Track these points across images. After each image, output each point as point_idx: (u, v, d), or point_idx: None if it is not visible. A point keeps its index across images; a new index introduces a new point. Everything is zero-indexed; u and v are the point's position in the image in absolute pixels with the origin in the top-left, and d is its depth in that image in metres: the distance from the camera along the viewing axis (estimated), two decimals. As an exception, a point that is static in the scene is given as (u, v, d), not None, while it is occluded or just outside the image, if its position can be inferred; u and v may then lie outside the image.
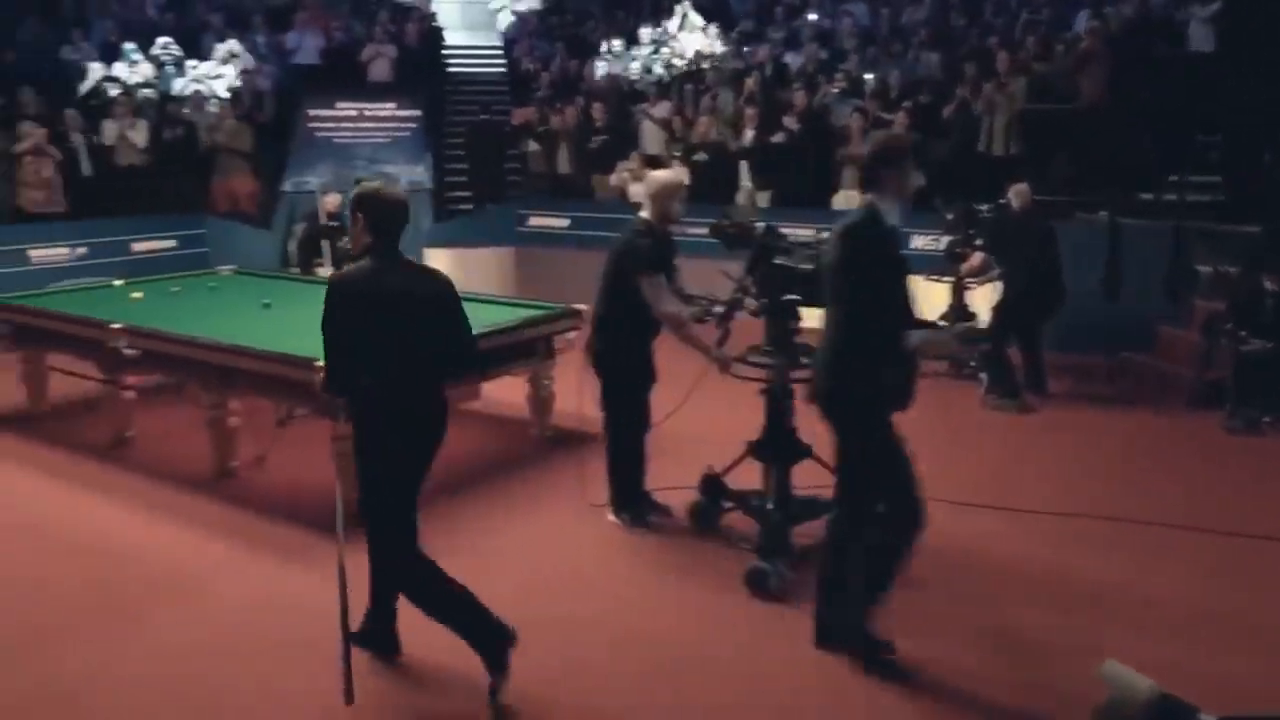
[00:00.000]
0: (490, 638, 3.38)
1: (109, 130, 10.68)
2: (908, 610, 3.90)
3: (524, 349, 5.80)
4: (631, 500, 4.91)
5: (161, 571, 4.47)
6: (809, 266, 4.12)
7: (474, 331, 3.64)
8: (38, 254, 9.40)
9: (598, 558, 4.59)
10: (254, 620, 4.01)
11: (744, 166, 10.65)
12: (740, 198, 10.70)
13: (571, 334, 6.01)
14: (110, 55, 12.48)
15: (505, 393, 6.32)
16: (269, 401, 5.38)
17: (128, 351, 5.56)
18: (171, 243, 10.37)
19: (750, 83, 11.70)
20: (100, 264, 9.73)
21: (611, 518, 4.90)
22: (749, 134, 10.76)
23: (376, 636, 3.70)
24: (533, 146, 12.22)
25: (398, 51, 13.46)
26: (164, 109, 11.38)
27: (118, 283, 7.28)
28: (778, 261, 4.27)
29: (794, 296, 4.24)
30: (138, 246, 10.07)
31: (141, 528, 4.94)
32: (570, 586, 4.30)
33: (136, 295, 6.70)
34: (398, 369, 3.34)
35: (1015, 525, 4.92)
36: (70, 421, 6.45)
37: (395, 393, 3.36)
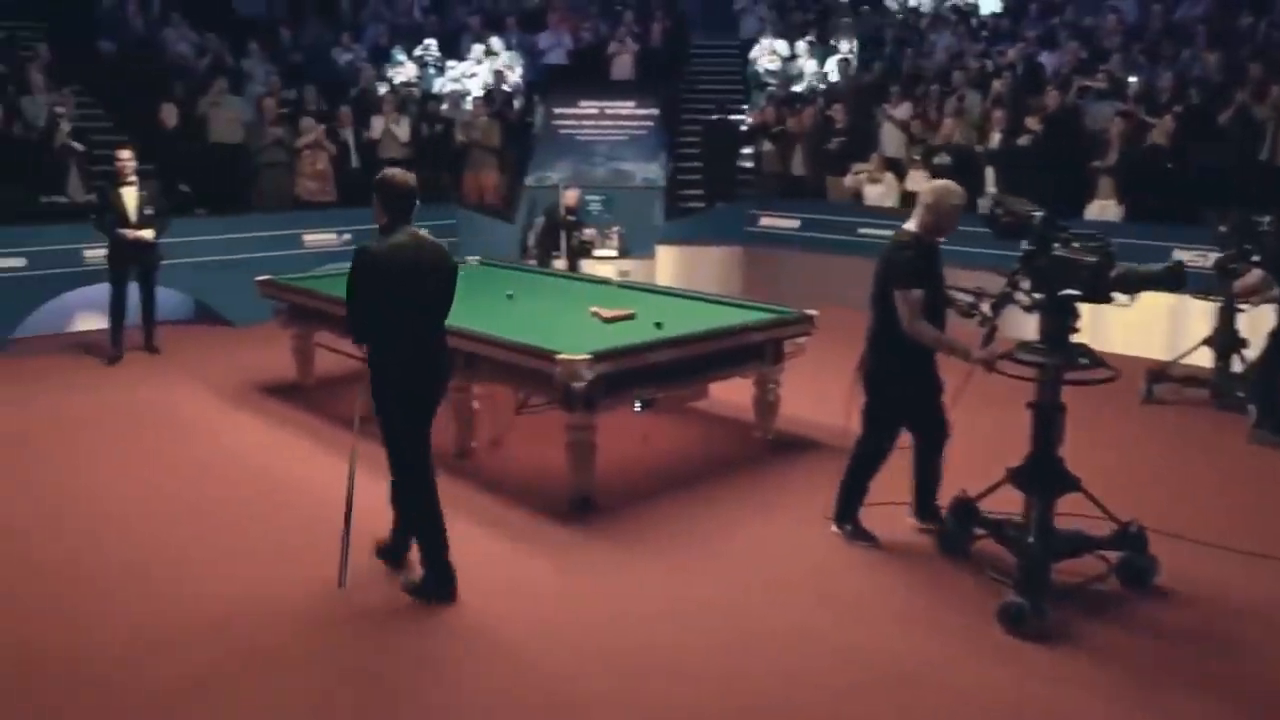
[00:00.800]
0: (440, 572, 4.13)
1: (376, 126, 11.54)
2: (1160, 659, 3.62)
3: (752, 352, 5.80)
4: (853, 512, 4.81)
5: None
6: (1092, 259, 3.82)
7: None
8: (310, 238, 10.30)
9: (825, 568, 4.52)
10: (480, 601, 4.23)
11: (989, 172, 10.19)
12: (983, 205, 10.24)
13: (802, 339, 5.96)
14: (380, 57, 13.50)
15: (731, 393, 6.35)
16: (509, 388, 5.64)
17: (386, 333, 5.99)
18: (424, 231, 11.04)
19: (999, 84, 11.18)
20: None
21: (834, 529, 4.82)
22: (995, 137, 10.28)
23: (392, 550, 4.40)
24: (767, 146, 12.19)
25: (641, 51, 13.80)
26: (425, 107, 12.18)
27: (379, 268, 7.86)
28: (1057, 253, 3.93)
29: (1073, 291, 3.90)
30: (398, 234, 10.83)
31: (382, 497, 5.30)
32: (796, 596, 4.26)
33: (395, 280, 7.20)
34: (407, 322, 4.01)
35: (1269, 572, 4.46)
36: (333, 394, 7.03)
37: (404, 340, 4.01)
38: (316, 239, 10.35)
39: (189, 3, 13.67)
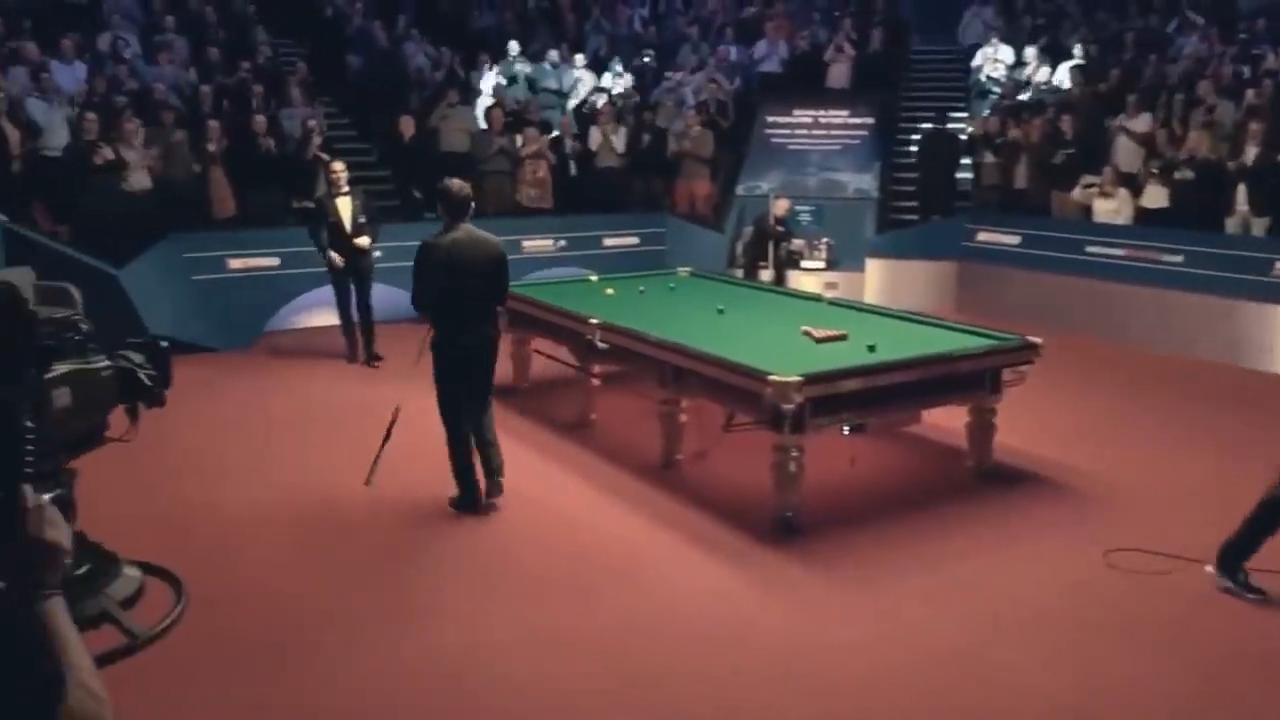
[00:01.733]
0: (469, 490, 5.33)
1: (594, 136, 11.90)
2: None
3: (969, 380, 5.59)
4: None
5: (606, 547, 4.95)
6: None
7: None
8: (529, 244, 10.74)
9: (1043, 612, 4.31)
10: (679, 609, 4.30)
11: (1241, 189, 9.38)
12: (1231, 225, 9.46)
13: (1025, 367, 5.69)
14: (600, 67, 13.90)
15: (944, 418, 6.15)
16: (716, 403, 5.68)
17: (600, 344, 6.18)
18: (635, 240, 11.34)
19: (1254, 93, 10.26)
20: (576, 255, 10.92)
21: (1215, 576, 4.45)
22: (1251, 152, 9.44)
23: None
24: (989, 158, 11.70)
25: (858, 58, 13.57)
26: (640, 116, 12.44)
27: (593, 278, 8.14)
28: None
29: None
30: (608, 241, 11.15)
31: (594, 502, 5.50)
32: (1005, 638, 4.09)
33: (609, 291, 7.42)
34: (456, 298, 5.08)
35: None
36: (545, 398, 7.32)
37: (454, 312, 5.11)
38: (535, 245, 10.78)
39: (428, 18, 14.56)
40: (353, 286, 8.56)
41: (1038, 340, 5.67)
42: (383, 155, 12.42)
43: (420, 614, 4.27)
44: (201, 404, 7.20)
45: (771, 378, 4.80)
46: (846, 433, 5.29)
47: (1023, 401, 6.02)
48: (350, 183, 8.53)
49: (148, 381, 3.35)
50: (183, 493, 5.67)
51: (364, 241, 8.43)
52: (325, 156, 10.39)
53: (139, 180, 9.45)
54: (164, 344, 3.62)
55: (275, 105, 11.21)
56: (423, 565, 4.76)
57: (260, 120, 10.38)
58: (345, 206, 8.39)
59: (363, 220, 8.45)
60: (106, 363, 3.60)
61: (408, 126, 11.43)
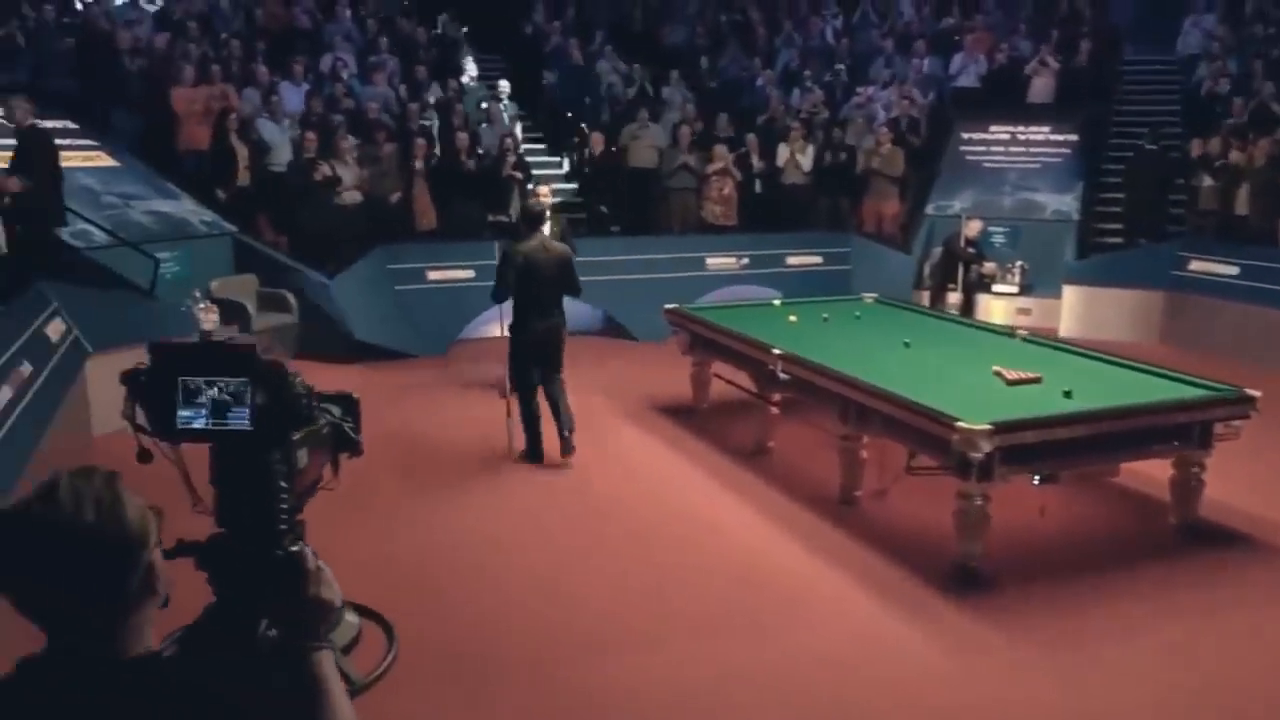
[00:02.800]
0: (534, 443, 6.54)
1: (781, 153, 11.85)
2: None
3: (1176, 432, 5.25)
4: None
5: (779, 580, 4.94)
6: None
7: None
8: (712, 261, 10.83)
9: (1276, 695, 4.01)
10: (851, 651, 4.24)
11: None
12: None
13: (1238, 422, 5.30)
14: (790, 82, 13.83)
15: (1144, 467, 5.80)
16: (899, 443, 5.57)
17: (781, 375, 6.17)
18: (818, 259, 11.23)
19: None
20: (759, 273, 10.92)
21: None
22: None
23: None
24: (1207, 181, 10.92)
25: (1063, 70, 12.94)
26: (829, 133, 12.30)
27: (776, 303, 8.12)
28: None
29: None
30: (791, 260, 11.09)
31: (769, 533, 5.50)
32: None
33: (792, 318, 7.39)
34: (535, 295, 6.27)
35: None
36: (723, 422, 7.36)
37: (526, 306, 6.27)
38: (718, 262, 10.85)
39: (621, 36, 14.88)
40: None
41: (1255, 394, 5.27)
42: (572, 170, 12.81)
43: (600, 645, 4.39)
44: (392, 416, 7.64)
45: (959, 424, 4.67)
46: (1037, 482, 5.08)
47: (1235, 451, 5.60)
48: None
49: (351, 434, 3.56)
50: (390, 532, 5.96)
51: None
52: (519, 175, 10.81)
53: (351, 195, 10.11)
54: (355, 396, 3.80)
55: (476, 121, 11.74)
56: (598, 589, 4.89)
57: (463, 137, 10.89)
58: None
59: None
60: (325, 420, 3.85)
61: (598, 143, 11.73)
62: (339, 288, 9.25)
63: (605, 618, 4.60)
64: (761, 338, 6.56)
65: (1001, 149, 12.52)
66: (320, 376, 4.33)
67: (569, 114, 13.03)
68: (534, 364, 6.40)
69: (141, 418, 2.26)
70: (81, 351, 6.81)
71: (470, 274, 9.99)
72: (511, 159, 10.88)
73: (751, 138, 12.07)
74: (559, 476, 6.42)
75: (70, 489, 1.36)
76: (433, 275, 9.84)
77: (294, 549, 1.74)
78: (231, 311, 8.90)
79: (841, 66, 13.77)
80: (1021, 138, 12.52)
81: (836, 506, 5.82)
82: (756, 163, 11.89)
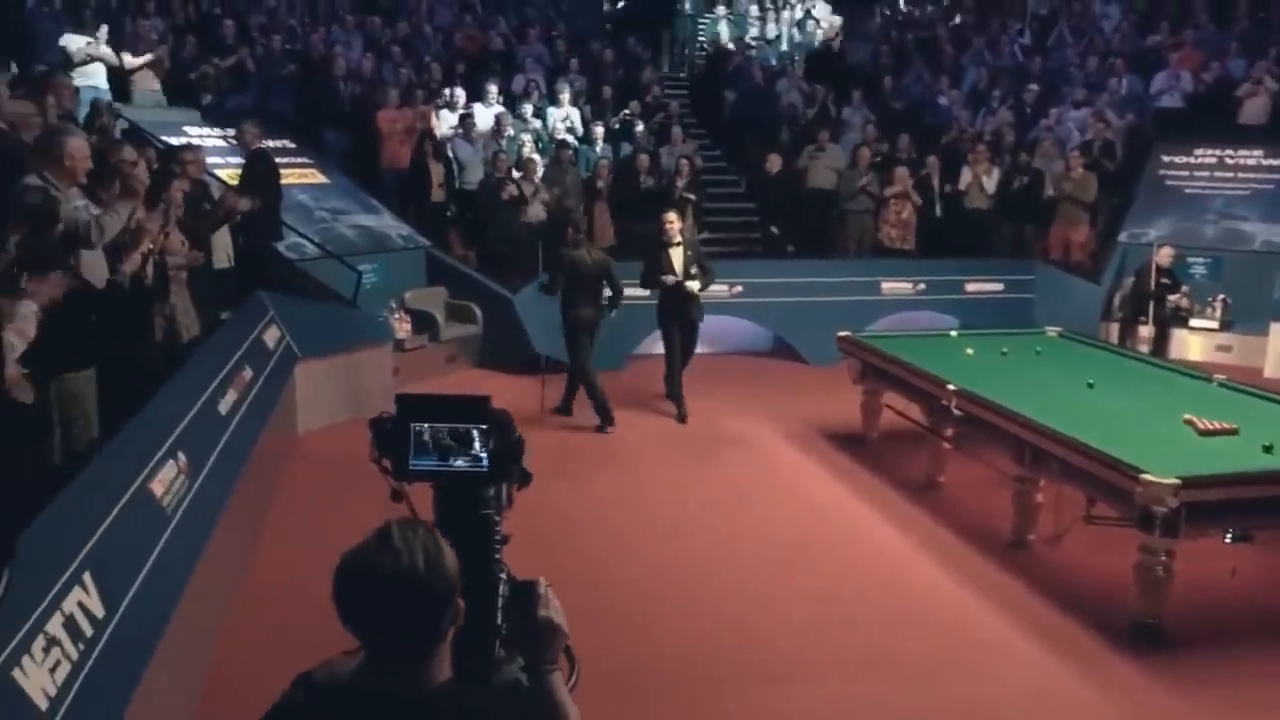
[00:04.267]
0: (602, 413, 8.01)
1: (964, 175, 11.58)
2: None
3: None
4: None
5: (946, 622, 4.89)
6: None
7: None
8: (888, 286, 10.69)
9: None
10: (1019, 704, 4.16)
11: None
12: None
13: None
14: (977, 102, 13.47)
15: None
16: (1078, 489, 5.40)
17: (955, 411, 6.09)
18: (999, 286, 10.91)
19: None
20: (936, 299, 10.71)
21: None
22: None
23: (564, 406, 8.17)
24: None
25: (1283, 90, 12.08)
26: (1016, 156, 11.93)
27: (953, 334, 7.98)
28: None
29: None
30: (970, 287, 10.82)
31: (936, 573, 5.44)
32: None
33: (969, 351, 7.25)
34: (582, 288, 8.00)
35: None
36: (892, 454, 7.30)
37: (576, 298, 8.01)
38: (894, 287, 10.71)
39: (802, 55, 14.90)
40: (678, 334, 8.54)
41: None
42: (748, 189, 12.92)
43: (757, 674, 4.48)
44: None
45: (1144, 476, 4.50)
46: (1229, 540, 4.83)
47: None
48: (684, 231, 8.55)
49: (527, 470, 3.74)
50: (554, 548, 6.25)
51: (693, 286, 8.36)
52: (692, 197, 10.98)
53: (535, 212, 10.56)
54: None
55: (655, 143, 12.02)
56: (757, 615, 4.98)
57: (643, 159, 11.18)
58: (677, 256, 8.35)
59: (694, 271, 8.40)
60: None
61: (775, 163, 11.78)
62: (521, 302, 9.68)
63: (763, 645, 4.68)
64: (936, 371, 6.48)
65: (1206, 174, 11.81)
66: (495, 385, 4.61)
67: (747, 133, 13.15)
68: (586, 339, 8.17)
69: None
70: (292, 356, 7.43)
71: (645, 291, 10.22)
72: (685, 179, 11.06)
73: (933, 160, 11.84)
74: (723, 497, 6.54)
75: (402, 539, 1.60)
76: (608, 292, 10.13)
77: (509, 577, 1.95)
78: (422, 321, 9.48)
79: (1034, 87, 13.30)
80: (1230, 162, 11.78)
81: (1007, 549, 5.69)
82: (937, 186, 11.66)
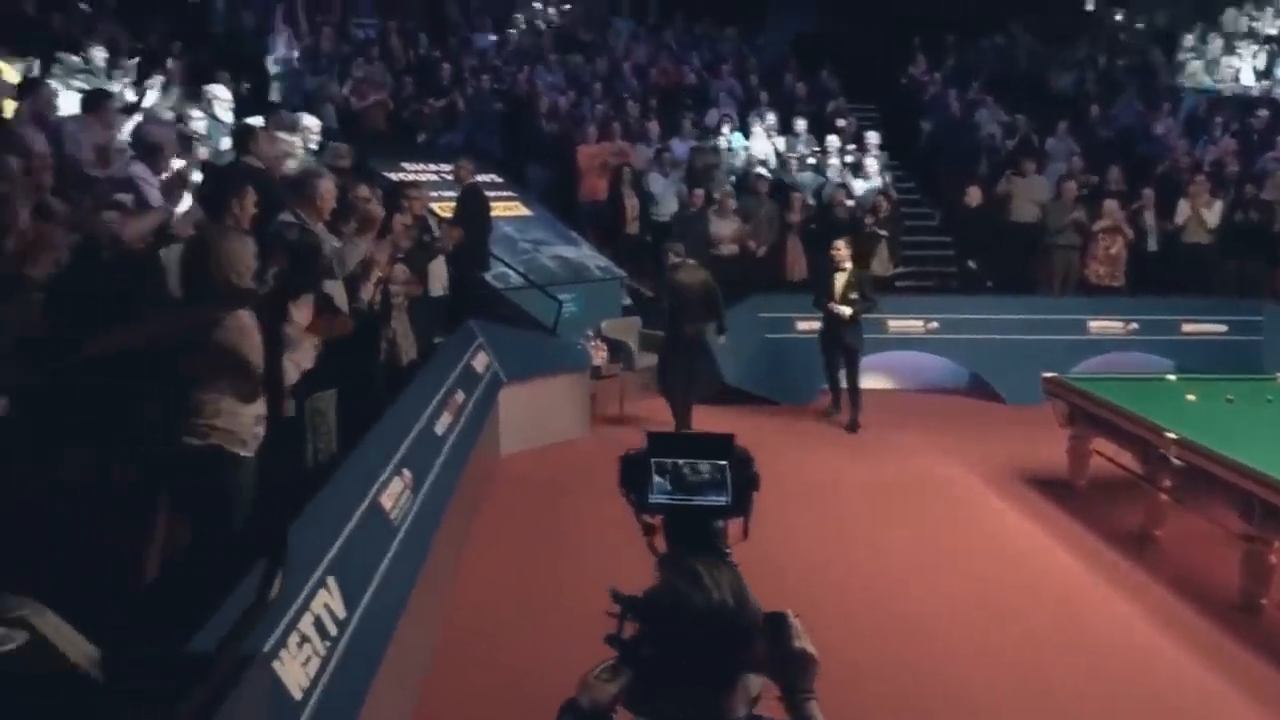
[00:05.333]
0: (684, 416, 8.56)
1: (1182, 209, 10.92)
2: None
3: None
4: None
5: (1164, 691, 4.60)
6: None
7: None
8: (1095, 325, 10.19)
9: None
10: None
11: None
12: None
13: None
14: (1196, 130, 12.69)
15: None
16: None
17: (1174, 460, 5.74)
18: (1222, 327, 10.21)
19: None
20: (1148, 340, 10.12)
21: None
22: None
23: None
24: None
25: None
26: (1241, 188, 11.15)
27: (1171, 378, 7.53)
28: None
29: None
30: (1187, 328, 10.17)
31: (1150, 635, 5.13)
32: None
33: (1190, 397, 6.82)
34: (685, 308, 8.33)
35: None
36: (1102, 503, 6.93)
37: (684, 315, 8.37)
38: (1102, 326, 10.20)
39: (1003, 83, 14.45)
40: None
41: None
42: (944, 222, 12.62)
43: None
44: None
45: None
46: None
47: None
48: (854, 259, 9.15)
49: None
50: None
51: (844, 310, 8.87)
52: (883, 233, 10.84)
53: (729, 246, 10.68)
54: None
55: (849, 172, 11.94)
56: (958, 657, 4.84)
57: (837, 192, 11.13)
58: (839, 282, 8.96)
59: (853, 296, 8.90)
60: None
61: (974, 195, 11.47)
62: (713, 334, 9.79)
63: (970, 700, 4.55)
64: (1153, 418, 6.14)
65: None
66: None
67: (943, 164, 12.86)
68: (684, 358, 8.56)
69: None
70: (498, 381, 7.80)
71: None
72: (884, 212, 10.93)
73: (1148, 192, 11.21)
74: (920, 541, 6.39)
75: (711, 578, 1.72)
76: (802, 325, 10.11)
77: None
78: (617, 350, 9.75)
79: (1263, 113, 12.41)
80: None
81: (1237, 614, 5.30)
82: (1151, 219, 11.04)
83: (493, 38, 14.25)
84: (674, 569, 1.75)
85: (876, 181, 11.83)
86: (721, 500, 2.06)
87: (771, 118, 13.01)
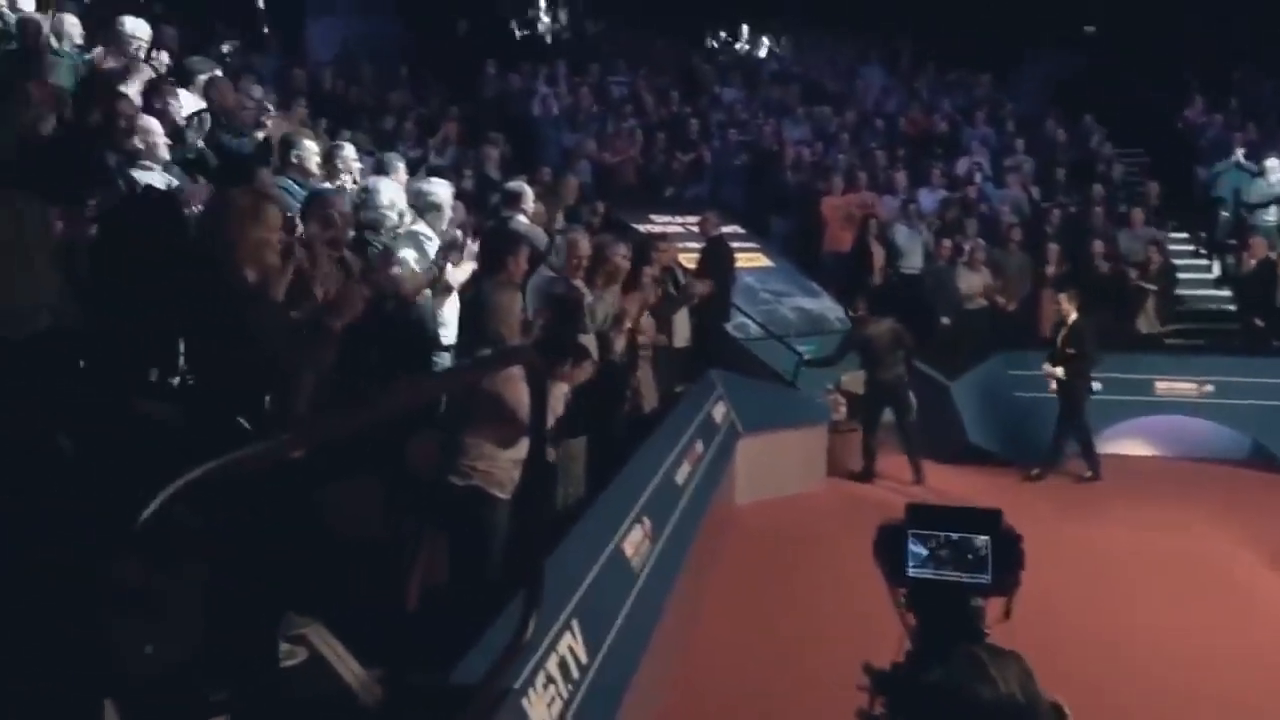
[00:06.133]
0: (870, 463, 8.76)
1: None
2: None
3: None
4: None
5: None
6: None
7: None
8: None
9: None
10: None
11: None
12: None
13: None
14: None
15: None
16: None
17: None
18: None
19: None
20: None
21: None
22: None
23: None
24: None
25: None
26: None
27: None
28: None
29: None
30: None
31: None
32: None
33: None
34: (877, 359, 8.59)
35: None
36: None
37: (878, 369, 8.59)
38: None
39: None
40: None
41: None
42: (1223, 277, 11.62)
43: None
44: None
45: None
46: None
47: None
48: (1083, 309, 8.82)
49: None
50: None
51: (1055, 370, 8.74)
52: (1151, 287, 10.11)
53: (977, 300, 10.30)
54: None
55: (1114, 226, 11.23)
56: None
57: (1098, 244, 10.50)
58: (1060, 336, 8.81)
59: (1070, 351, 8.69)
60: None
61: (1259, 247, 10.47)
62: (959, 390, 9.45)
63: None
64: None
65: None
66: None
67: (1223, 214, 11.85)
68: (885, 404, 8.67)
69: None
70: (735, 432, 7.88)
71: (1096, 385, 9.52)
72: (1154, 265, 10.18)
73: None
74: (1197, 629, 5.83)
75: (997, 668, 1.70)
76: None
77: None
78: (856, 405, 9.59)
79: None
80: None
81: None
82: None
83: (740, 92, 14.55)
84: (955, 656, 1.70)
85: (1145, 232, 11.04)
86: (983, 579, 2.01)
87: (1027, 165, 12.47)
